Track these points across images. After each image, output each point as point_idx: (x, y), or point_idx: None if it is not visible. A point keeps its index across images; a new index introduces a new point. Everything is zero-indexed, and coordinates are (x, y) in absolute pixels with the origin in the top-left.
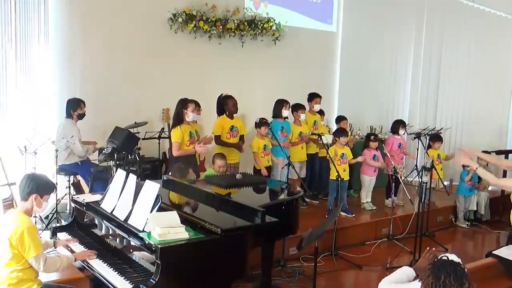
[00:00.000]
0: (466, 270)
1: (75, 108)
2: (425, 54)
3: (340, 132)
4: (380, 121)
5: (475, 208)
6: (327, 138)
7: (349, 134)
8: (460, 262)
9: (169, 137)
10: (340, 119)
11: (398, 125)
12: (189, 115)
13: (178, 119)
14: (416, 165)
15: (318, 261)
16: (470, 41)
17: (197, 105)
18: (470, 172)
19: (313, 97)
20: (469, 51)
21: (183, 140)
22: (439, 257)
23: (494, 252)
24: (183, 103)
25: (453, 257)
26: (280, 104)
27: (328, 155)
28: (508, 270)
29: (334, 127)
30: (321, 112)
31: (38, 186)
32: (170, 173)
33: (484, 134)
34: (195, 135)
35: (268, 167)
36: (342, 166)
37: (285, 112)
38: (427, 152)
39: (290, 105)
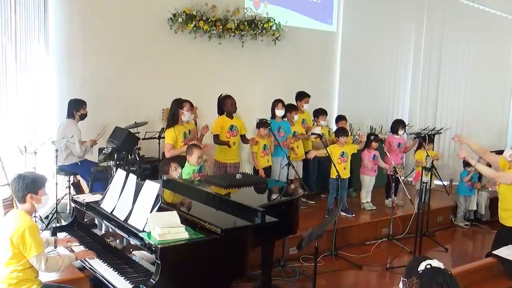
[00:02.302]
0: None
1: (78, 108)
2: (425, 54)
3: (340, 132)
4: (380, 121)
5: (475, 208)
6: (317, 130)
7: (349, 134)
8: (446, 268)
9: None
10: (339, 119)
11: (398, 125)
12: (185, 115)
13: (174, 119)
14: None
15: (318, 261)
16: (470, 41)
17: (191, 105)
18: (470, 172)
19: (302, 96)
20: (469, 51)
21: (176, 141)
22: (422, 266)
23: (494, 252)
24: (179, 103)
25: (436, 263)
26: (273, 104)
27: (329, 154)
28: (508, 270)
29: (333, 127)
30: (323, 112)
31: (28, 185)
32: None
33: (484, 134)
34: (189, 135)
35: (268, 167)
36: (342, 164)
37: (278, 112)
38: (427, 152)
39: (284, 104)
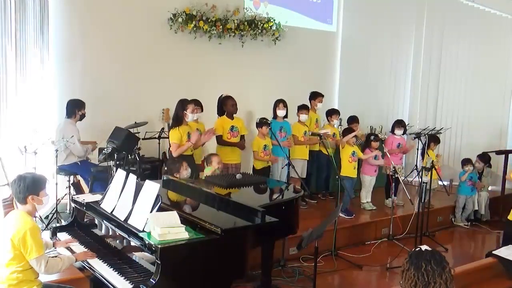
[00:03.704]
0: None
1: (79, 108)
2: (425, 54)
3: (347, 132)
4: (380, 121)
5: (476, 208)
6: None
7: (363, 134)
8: (434, 249)
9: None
10: (351, 120)
11: (395, 124)
12: (188, 116)
13: (178, 120)
14: (416, 165)
15: (318, 261)
16: (470, 41)
17: (197, 103)
18: (466, 172)
19: (316, 96)
20: (469, 51)
21: (181, 141)
22: (412, 250)
23: (494, 252)
24: (183, 105)
25: (425, 247)
26: (274, 104)
27: (328, 154)
28: (508, 270)
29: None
30: (335, 112)
31: (29, 186)
32: (166, 172)
33: (484, 134)
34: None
35: (268, 167)
36: (353, 164)
37: (280, 112)
38: (427, 153)
39: (285, 104)
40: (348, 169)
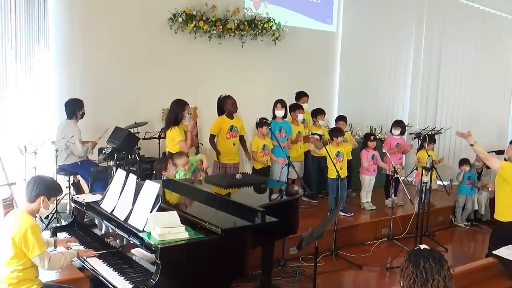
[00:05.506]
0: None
1: (80, 108)
2: (425, 54)
3: (335, 132)
4: (380, 121)
5: (476, 208)
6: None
7: (349, 134)
8: (432, 248)
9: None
10: (338, 119)
11: (393, 124)
12: (187, 118)
13: (176, 120)
14: (416, 165)
15: (318, 261)
16: (470, 41)
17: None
18: (462, 172)
19: (301, 96)
20: (469, 51)
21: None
22: (411, 250)
23: (494, 252)
24: (181, 105)
25: (424, 246)
26: (273, 104)
27: (328, 154)
28: (508, 270)
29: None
30: (321, 112)
31: (46, 189)
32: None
33: (484, 134)
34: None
35: (267, 167)
36: (339, 164)
37: (278, 112)
38: (427, 152)
39: (283, 104)
40: (333, 170)
